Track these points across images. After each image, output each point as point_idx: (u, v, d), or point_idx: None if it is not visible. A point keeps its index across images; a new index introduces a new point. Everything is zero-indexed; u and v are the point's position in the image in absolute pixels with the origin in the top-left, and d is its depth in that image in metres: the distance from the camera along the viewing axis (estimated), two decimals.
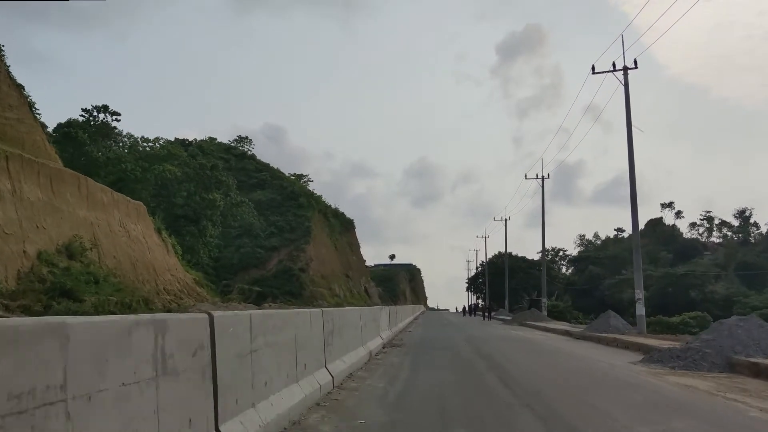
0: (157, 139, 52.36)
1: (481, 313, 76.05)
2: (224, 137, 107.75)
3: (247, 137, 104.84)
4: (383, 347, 17.42)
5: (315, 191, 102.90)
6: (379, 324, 17.83)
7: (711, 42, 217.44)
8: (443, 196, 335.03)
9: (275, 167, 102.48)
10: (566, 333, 29.20)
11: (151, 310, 32.71)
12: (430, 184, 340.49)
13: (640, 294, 24.73)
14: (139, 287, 34.46)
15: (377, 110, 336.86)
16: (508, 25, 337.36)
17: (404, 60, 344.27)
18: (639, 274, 24.88)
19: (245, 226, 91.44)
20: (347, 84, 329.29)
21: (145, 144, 52.28)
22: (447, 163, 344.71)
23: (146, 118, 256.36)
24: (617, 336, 22.75)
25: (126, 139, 51.63)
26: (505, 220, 63.01)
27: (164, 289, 37.98)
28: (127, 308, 29.97)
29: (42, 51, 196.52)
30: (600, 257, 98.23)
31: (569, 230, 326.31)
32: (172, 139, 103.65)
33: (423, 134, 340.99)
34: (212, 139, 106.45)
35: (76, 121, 52.61)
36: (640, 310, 24.84)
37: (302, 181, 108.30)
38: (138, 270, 35.70)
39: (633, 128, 25.35)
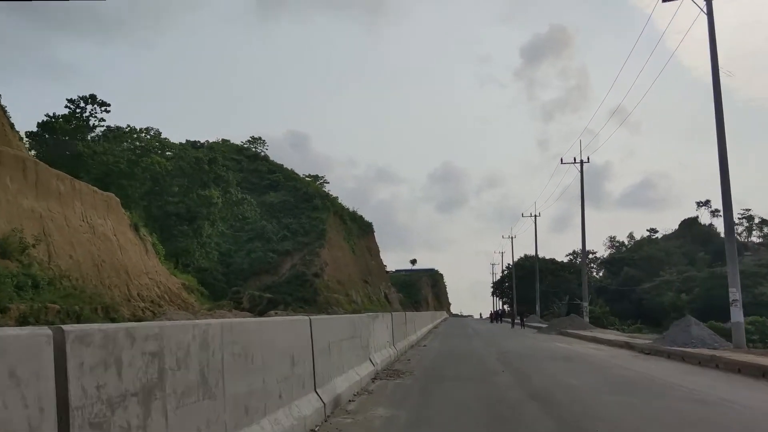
0: (147, 130, 46.48)
1: (509, 320, 68.85)
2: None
3: (260, 138, 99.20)
4: (374, 378, 10.83)
5: (331, 193, 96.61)
6: (369, 343, 11.25)
7: (735, 42, 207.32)
8: (468, 201, 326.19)
9: (289, 168, 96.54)
10: (626, 346, 22.29)
11: (113, 320, 26.53)
12: (454, 189, 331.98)
13: (736, 293, 17.74)
14: (101, 293, 28.24)
15: (401, 115, 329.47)
16: (532, 26, 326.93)
17: (427, 64, 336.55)
18: (734, 266, 17.90)
19: (257, 229, 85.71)
20: (370, 89, 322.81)
21: (134, 135, 46.26)
22: (471, 167, 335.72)
23: (166, 125, 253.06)
24: (714, 353, 15.88)
25: (110, 132, 45.71)
26: (535, 216, 56.04)
27: (138, 294, 31.78)
28: (74, 318, 23.60)
29: (67, 60, 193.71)
30: (634, 259, 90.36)
31: (597, 234, 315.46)
32: (183, 141, 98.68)
33: (447, 138, 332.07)
34: (225, 141, 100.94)
35: (68, 115, 46.96)
36: (737, 315, 17.86)
37: (318, 182, 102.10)
38: (103, 272, 29.52)
39: (720, 72, 18.49)
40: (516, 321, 44.23)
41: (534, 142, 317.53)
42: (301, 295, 76.35)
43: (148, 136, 46.16)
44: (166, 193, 44.42)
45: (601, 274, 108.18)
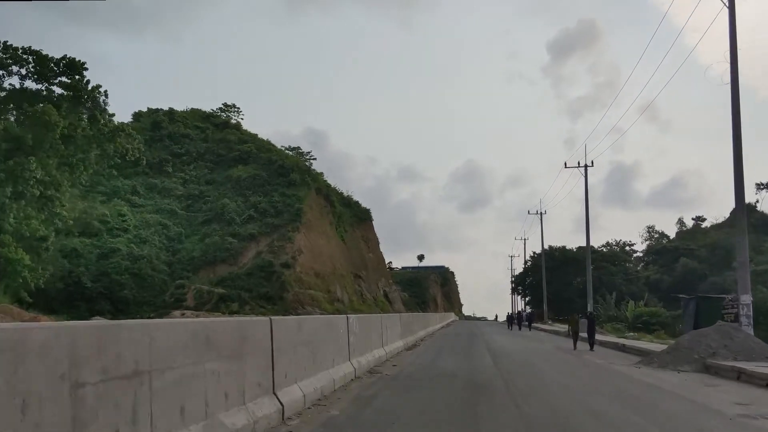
0: None
1: (526, 324, 47.02)
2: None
3: (234, 105, 78.50)
4: None
5: (312, 167, 75.55)
6: None
7: (756, 42, 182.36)
8: (490, 201, 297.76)
9: (265, 138, 75.71)
10: None
11: None
12: (477, 188, 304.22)
13: None
14: None
15: (424, 113, 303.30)
16: (560, 20, 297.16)
17: (454, 60, 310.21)
18: None
19: (215, 208, 64.94)
20: (393, 86, 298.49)
21: None
22: (495, 166, 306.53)
23: None
24: None
25: None
26: (586, 165, 34.11)
27: None
28: None
29: (98, 55, 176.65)
30: (691, 249, 67.73)
31: (625, 234, 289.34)
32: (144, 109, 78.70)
33: (471, 136, 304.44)
34: (194, 110, 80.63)
35: None
36: None
37: (304, 159, 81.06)
38: None
39: None
40: (576, 334, 21.42)
41: (560, 141, 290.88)
42: (265, 291, 55.42)
43: None
44: None
45: (639, 267, 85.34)
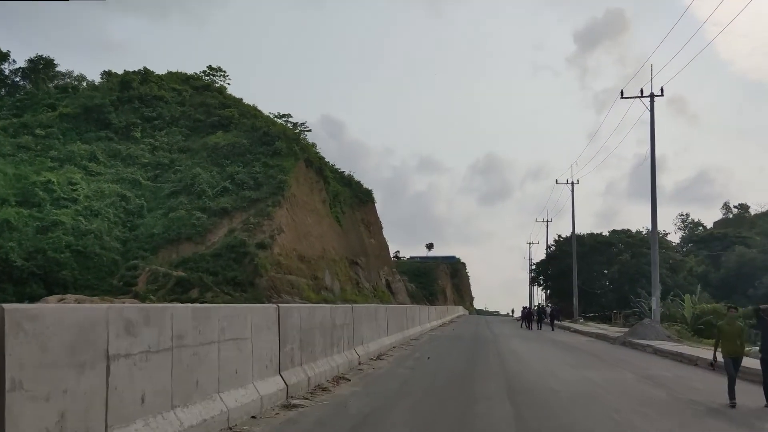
0: None
1: (549, 321, 35.78)
2: None
3: (219, 68, 67.79)
4: None
5: (303, 137, 64.73)
6: None
7: None
8: (510, 194, 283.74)
9: (251, 104, 64.99)
10: None
11: None
12: (497, 181, 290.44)
13: None
14: None
15: (445, 104, 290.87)
16: (587, 11, 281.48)
17: (478, 50, 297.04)
18: None
19: (185, 179, 54.53)
20: (414, 75, 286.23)
21: None
22: (517, 158, 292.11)
23: None
24: None
25: None
26: (652, 95, 22.33)
27: None
28: None
29: (118, 39, 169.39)
30: (743, 237, 55.87)
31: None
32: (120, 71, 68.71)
33: (494, 128, 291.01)
34: (174, 73, 70.13)
35: None
36: None
37: (297, 131, 70.18)
38: None
39: None
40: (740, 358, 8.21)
41: (584, 134, 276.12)
42: (233, 275, 44.86)
43: None
44: None
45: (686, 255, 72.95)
